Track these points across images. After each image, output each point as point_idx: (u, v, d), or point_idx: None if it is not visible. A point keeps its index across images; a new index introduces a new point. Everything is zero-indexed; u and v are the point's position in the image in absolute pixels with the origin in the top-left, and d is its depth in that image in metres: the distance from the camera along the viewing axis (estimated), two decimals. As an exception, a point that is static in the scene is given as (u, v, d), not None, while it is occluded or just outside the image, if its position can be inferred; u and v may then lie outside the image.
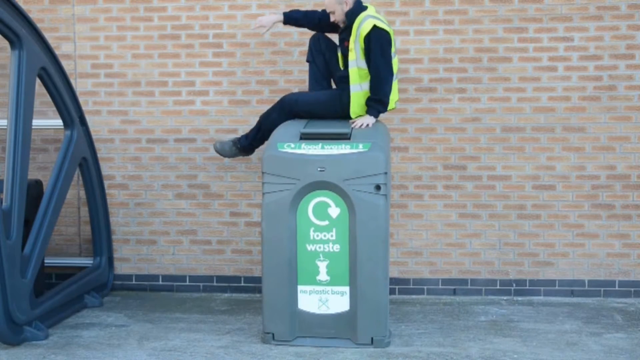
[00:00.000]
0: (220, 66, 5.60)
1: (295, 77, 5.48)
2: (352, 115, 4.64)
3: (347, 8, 4.60)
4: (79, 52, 5.68)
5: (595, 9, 5.31)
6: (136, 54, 5.65)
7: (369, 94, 4.57)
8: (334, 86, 4.90)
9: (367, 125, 4.50)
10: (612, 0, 5.29)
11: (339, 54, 4.77)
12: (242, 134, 5.07)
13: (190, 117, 5.64)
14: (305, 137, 4.36)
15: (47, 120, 5.57)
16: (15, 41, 4.48)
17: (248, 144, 4.94)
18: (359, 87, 4.58)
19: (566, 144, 5.39)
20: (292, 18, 4.86)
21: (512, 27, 5.37)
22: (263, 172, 4.31)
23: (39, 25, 4.93)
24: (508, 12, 5.37)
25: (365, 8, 4.59)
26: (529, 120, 5.40)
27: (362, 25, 4.47)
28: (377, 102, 4.55)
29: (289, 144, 4.32)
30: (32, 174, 5.28)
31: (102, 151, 5.66)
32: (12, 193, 4.35)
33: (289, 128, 4.54)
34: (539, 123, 5.40)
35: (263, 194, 4.31)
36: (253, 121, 5.55)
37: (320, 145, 4.30)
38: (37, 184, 5.19)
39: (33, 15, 5.52)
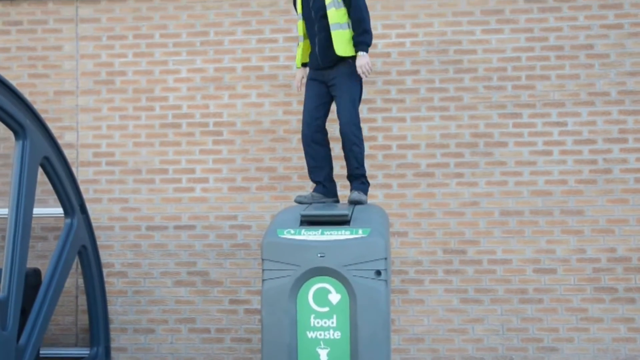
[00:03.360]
0: (220, 153, 5.68)
1: (294, 164, 5.55)
2: (339, 52, 4.56)
3: None
4: (81, 141, 5.78)
5: (586, 95, 5.44)
6: (137, 142, 5.74)
7: (350, 33, 4.57)
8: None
9: (367, 63, 4.52)
10: (602, 86, 5.43)
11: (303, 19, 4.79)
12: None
13: (190, 204, 5.67)
14: (305, 219, 4.37)
15: (47, 209, 5.59)
16: (19, 131, 4.55)
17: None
18: (338, 26, 4.57)
19: (565, 227, 5.40)
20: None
21: (506, 112, 5.49)
22: (263, 259, 4.28)
23: (43, 115, 5.03)
24: (502, 99, 5.50)
25: None
26: (527, 203, 5.43)
27: None
28: (363, 34, 4.54)
29: (289, 230, 4.32)
30: (31, 263, 5.26)
31: (101, 239, 5.66)
32: (9, 282, 4.31)
33: (289, 213, 4.55)
34: (537, 206, 5.43)
35: (263, 280, 4.28)
36: (252, 207, 5.60)
37: (320, 230, 4.30)
38: (36, 273, 5.16)
39: (38, 106, 5.65)
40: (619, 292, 5.34)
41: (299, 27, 4.83)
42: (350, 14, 4.57)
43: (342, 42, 4.57)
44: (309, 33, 4.76)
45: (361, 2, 4.59)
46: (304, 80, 4.93)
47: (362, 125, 5.52)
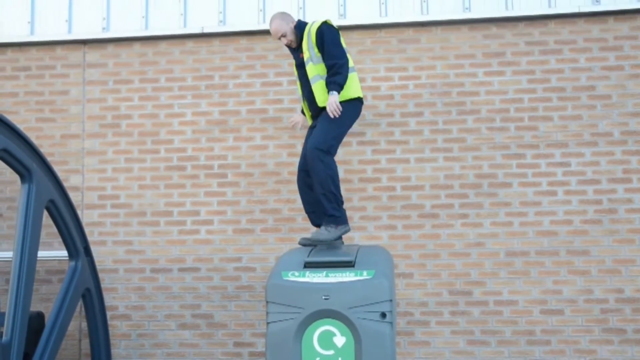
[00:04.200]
0: (225, 195, 5.69)
1: (299, 206, 5.54)
2: (320, 103, 4.70)
3: (293, 25, 4.82)
4: (87, 184, 5.81)
5: (589, 136, 5.46)
6: (142, 184, 5.77)
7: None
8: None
9: (335, 103, 4.52)
10: (605, 127, 5.46)
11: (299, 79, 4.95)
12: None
13: (194, 247, 5.67)
14: (310, 265, 4.36)
15: (52, 252, 5.60)
16: (25, 175, 4.59)
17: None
18: (319, 77, 4.69)
19: (571, 267, 5.37)
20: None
21: (510, 153, 5.50)
22: (267, 301, 4.26)
23: (49, 158, 5.08)
24: (505, 139, 5.52)
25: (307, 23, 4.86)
26: (533, 244, 5.41)
27: (312, 27, 4.72)
28: (334, 75, 4.56)
29: (293, 272, 4.31)
30: (35, 306, 5.24)
31: (105, 281, 5.64)
32: (12, 327, 4.29)
33: (293, 255, 4.54)
34: (542, 247, 5.40)
35: (267, 323, 4.25)
36: (257, 249, 5.59)
37: (324, 273, 4.28)
38: (39, 317, 5.13)
39: (44, 149, 5.69)
40: (628, 334, 5.27)
41: (298, 87, 5.03)
42: (324, 62, 4.66)
43: (323, 93, 4.68)
44: (303, 90, 4.93)
45: (334, 50, 4.63)
46: (298, 126, 5.37)
47: (366, 166, 5.58)
